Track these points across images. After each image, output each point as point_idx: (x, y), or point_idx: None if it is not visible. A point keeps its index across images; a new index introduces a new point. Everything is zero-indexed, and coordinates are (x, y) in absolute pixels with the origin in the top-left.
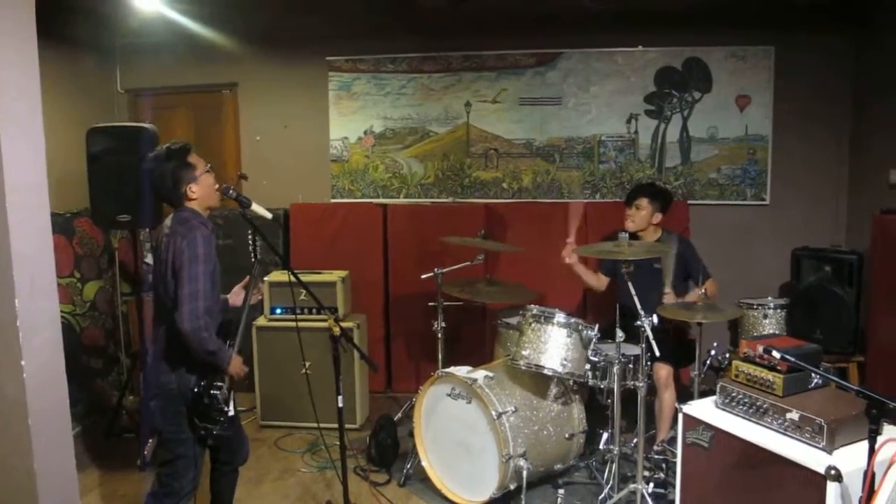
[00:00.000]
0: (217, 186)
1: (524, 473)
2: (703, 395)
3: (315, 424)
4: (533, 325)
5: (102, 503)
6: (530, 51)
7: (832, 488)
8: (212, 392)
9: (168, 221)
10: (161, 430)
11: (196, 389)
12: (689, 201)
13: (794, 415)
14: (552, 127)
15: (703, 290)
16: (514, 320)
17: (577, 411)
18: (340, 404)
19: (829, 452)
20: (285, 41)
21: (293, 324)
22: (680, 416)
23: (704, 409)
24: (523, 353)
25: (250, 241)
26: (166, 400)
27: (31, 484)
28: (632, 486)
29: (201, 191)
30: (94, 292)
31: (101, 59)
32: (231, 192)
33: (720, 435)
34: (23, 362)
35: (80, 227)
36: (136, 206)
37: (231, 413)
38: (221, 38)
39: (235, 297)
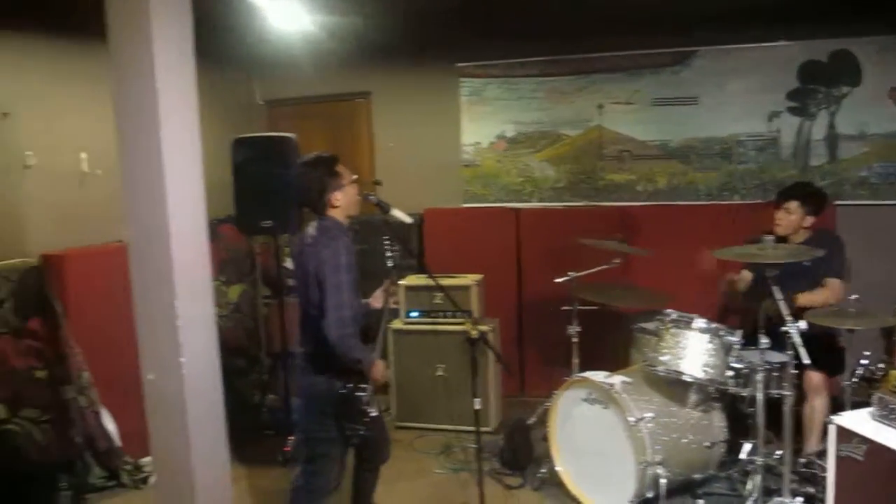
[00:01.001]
0: (359, 195)
1: (662, 482)
2: (855, 406)
3: (448, 426)
4: (672, 329)
5: (245, 496)
6: (664, 50)
7: None
8: (356, 394)
9: (310, 230)
10: (306, 429)
11: (342, 392)
12: (837, 202)
13: None
14: (687, 127)
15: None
16: (651, 325)
17: (718, 419)
18: (478, 406)
19: None
20: (416, 49)
21: (428, 327)
22: (832, 428)
23: (859, 421)
24: (661, 358)
25: (388, 245)
26: (312, 401)
27: (189, 474)
28: (777, 499)
29: (345, 199)
30: (238, 295)
31: (241, 73)
32: (372, 197)
33: (877, 448)
34: (182, 360)
35: (224, 232)
36: (278, 213)
37: (374, 414)
38: (354, 49)
39: (375, 300)
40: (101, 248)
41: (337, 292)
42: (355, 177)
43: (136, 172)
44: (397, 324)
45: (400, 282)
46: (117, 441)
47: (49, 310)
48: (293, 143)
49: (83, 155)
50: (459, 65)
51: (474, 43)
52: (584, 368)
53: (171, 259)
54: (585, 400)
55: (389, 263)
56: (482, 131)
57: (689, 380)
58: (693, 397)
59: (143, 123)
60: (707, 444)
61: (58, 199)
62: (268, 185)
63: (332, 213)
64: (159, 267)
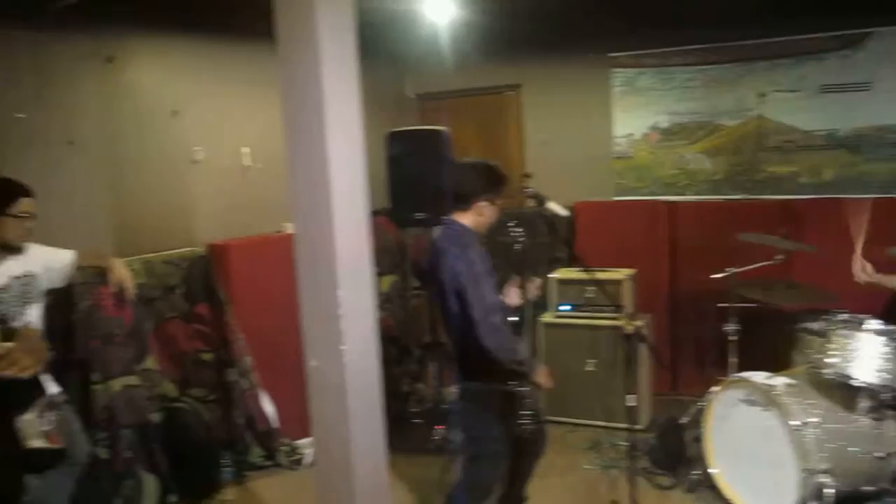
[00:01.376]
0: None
1: (828, 492)
2: None
3: (597, 422)
4: (841, 331)
5: (392, 483)
6: (834, 33)
7: None
8: (517, 391)
9: (438, 239)
10: (467, 428)
11: (502, 390)
12: None
13: None
14: (859, 115)
15: None
16: (816, 325)
17: (892, 429)
18: (632, 403)
19: None
20: (567, 40)
21: (580, 321)
22: None
23: None
24: (829, 360)
25: (514, 232)
26: (472, 400)
27: (348, 457)
28: None
29: (487, 213)
30: (389, 285)
31: (393, 67)
32: (529, 189)
33: None
34: (343, 347)
35: (377, 224)
36: (431, 206)
37: (534, 409)
38: (505, 42)
39: (509, 297)
40: (262, 237)
41: (481, 301)
42: (500, 202)
43: (302, 165)
44: (547, 317)
45: (550, 275)
46: (275, 423)
47: (215, 296)
48: (446, 137)
49: (245, 150)
50: (611, 55)
51: (627, 32)
52: (741, 369)
53: (335, 250)
54: (744, 401)
55: (517, 248)
56: (635, 122)
57: (859, 385)
58: (864, 404)
59: (309, 118)
60: (879, 454)
61: (222, 192)
62: (421, 178)
63: (466, 219)
64: (323, 257)
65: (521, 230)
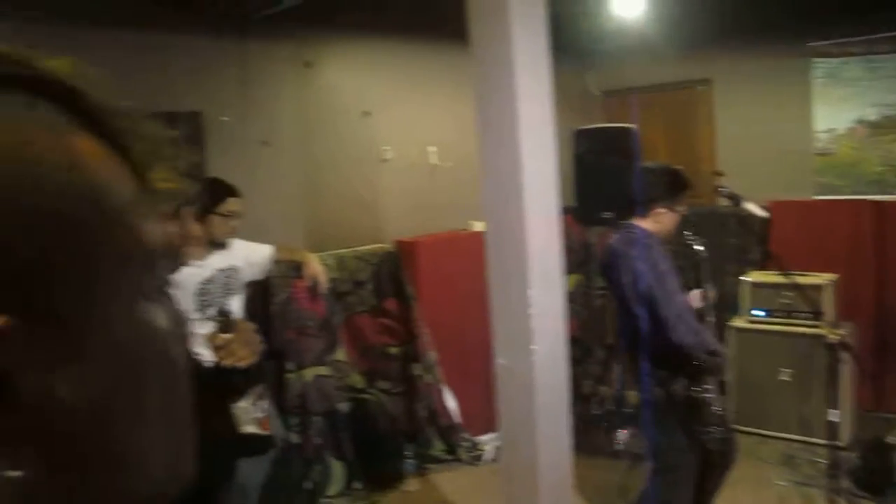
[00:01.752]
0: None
1: None
2: None
3: (791, 436)
4: None
5: (574, 487)
6: None
7: None
8: (703, 395)
9: (616, 242)
10: (654, 440)
11: (687, 395)
12: None
13: None
14: None
15: None
16: None
17: None
18: (834, 419)
19: None
20: (762, 31)
21: (775, 327)
22: None
23: None
24: None
25: (691, 241)
26: (658, 406)
27: (534, 455)
28: None
29: (666, 220)
30: (574, 284)
31: (577, 63)
32: (724, 188)
33: None
34: (533, 347)
35: (564, 222)
36: (617, 205)
37: (721, 413)
38: (694, 35)
39: (692, 299)
40: (449, 235)
41: (670, 303)
42: (681, 208)
43: (493, 163)
44: (739, 321)
45: (743, 277)
46: (457, 418)
47: (402, 292)
48: (634, 135)
49: (432, 148)
50: (812, 44)
51: (829, 19)
52: None
53: (527, 249)
54: None
55: (699, 251)
56: (838, 116)
57: None
58: None
59: (501, 116)
60: None
61: (410, 190)
62: (609, 177)
63: (646, 223)
64: (515, 256)
65: (697, 238)
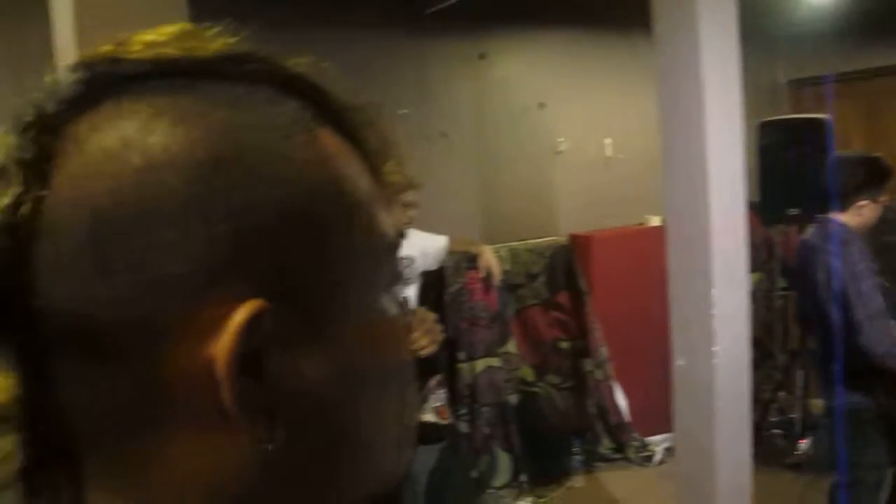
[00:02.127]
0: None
1: None
2: None
3: None
4: None
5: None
6: None
7: None
8: None
9: (812, 236)
10: (839, 448)
11: (885, 405)
12: None
13: None
14: None
15: None
16: None
17: None
18: None
19: None
20: None
21: None
22: None
23: None
24: None
25: None
26: (847, 416)
27: (711, 459)
28: None
29: (867, 212)
30: (755, 283)
31: (764, 51)
32: None
33: None
34: (715, 349)
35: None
36: (806, 201)
37: None
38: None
39: None
40: (624, 230)
41: (864, 304)
42: (883, 199)
43: (677, 157)
44: None
45: None
46: (627, 416)
47: (575, 286)
48: (827, 126)
49: (608, 141)
50: None
51: None
52: None
53: (711, 247)
54: None
55: None
56: None
57: None
58: None
59: (687, 108)
60: None
61: (585, 183)
62: (797, 172)
63: (846, 218)
64: (698, 253)
65: None
